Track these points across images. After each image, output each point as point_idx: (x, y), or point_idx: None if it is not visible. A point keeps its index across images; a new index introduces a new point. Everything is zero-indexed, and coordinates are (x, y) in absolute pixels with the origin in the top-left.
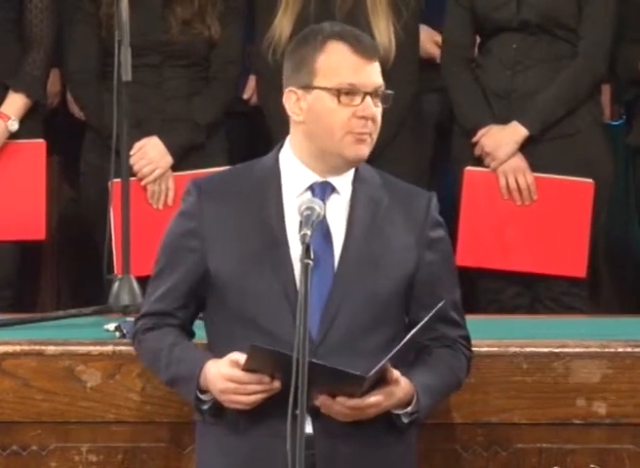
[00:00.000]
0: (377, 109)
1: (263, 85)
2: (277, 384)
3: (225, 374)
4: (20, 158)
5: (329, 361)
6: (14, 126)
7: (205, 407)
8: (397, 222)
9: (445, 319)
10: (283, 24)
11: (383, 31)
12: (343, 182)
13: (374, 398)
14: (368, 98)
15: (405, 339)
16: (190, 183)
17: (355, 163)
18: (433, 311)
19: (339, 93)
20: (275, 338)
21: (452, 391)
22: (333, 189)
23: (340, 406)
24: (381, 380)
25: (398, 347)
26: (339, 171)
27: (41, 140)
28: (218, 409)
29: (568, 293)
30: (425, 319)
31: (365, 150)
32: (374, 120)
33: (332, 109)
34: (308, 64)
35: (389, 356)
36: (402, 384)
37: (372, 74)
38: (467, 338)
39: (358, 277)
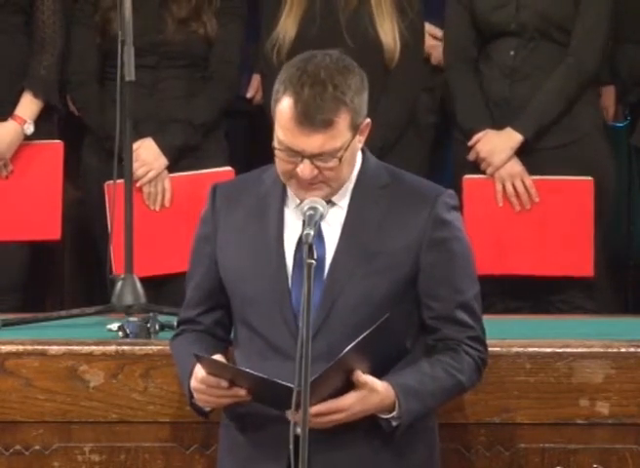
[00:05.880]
0: (322, 167)
1: (268, 86)
2: (242, 392)
3: (196, 374)
4: (37, 159)
5: (320, 364)
6: (30, 129)
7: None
8: (397, 224)
9: (450, 320)
10: (288, 25)
11: (388, 31)
12: (342, 193)
13: (338, 402)
14: (305, 162)
15: (342, 354)
16: (210, 188)
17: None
18: (376, 324)
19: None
20: (269, 343)
21: (452, 393)
22: (329, 200)
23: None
24: (353, 385)
25: (332, 364)
26: None
27: (58, 141)
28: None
29: (578, 297)
30: (364, 334)
31: (315, 195)
32: (316, 177)
33: (277, 156)
34: (275, 100)
35: (318, 374)
36: (378, 388)
37: (310, 142)
38: (478, 339)
39: (350, 280)
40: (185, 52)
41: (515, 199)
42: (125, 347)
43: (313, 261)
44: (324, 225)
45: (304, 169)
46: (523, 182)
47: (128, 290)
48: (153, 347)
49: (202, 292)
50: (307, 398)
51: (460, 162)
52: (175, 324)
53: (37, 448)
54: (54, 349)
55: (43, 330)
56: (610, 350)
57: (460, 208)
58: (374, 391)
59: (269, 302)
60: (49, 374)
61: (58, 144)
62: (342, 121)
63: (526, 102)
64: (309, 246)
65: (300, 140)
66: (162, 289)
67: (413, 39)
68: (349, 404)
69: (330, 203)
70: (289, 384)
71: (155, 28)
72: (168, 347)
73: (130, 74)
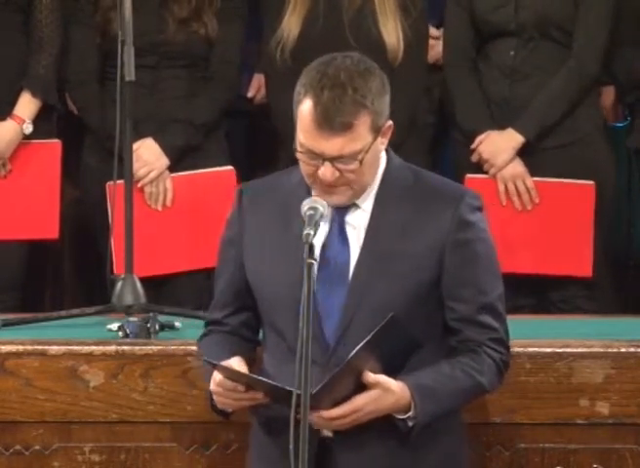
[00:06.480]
0: (343, 170)
1: (271, 85)
2: (258, 395)
3: (214, 378)
4: (35, 158)
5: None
6: (28, 129)
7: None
8: (421, 226)
9: (472, 321)
10: (291, 24)
11: (391, 31)
12: (365, 196)
13: (351, 404)
14: (326, 164)
15: (349, 357)
16: (236, 190)
17: (334, 206)
18: (380, 325)
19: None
20: (290, 345)
21: (471, 394)
22: (353, 204)
23: (317, 417)
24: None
25: (341, 366)
26: None
27: (56, 141)
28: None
29: (578, 297)
30: (370, 335)
31: (338, 198)
32: (338, 180)
33: (299, 158)
34: (296, 103)
35: (327, 379)
36: (393, 388)
37: (330, 145)
38: (500, 341)
39: (374, 284)
40: (186, 52)
41: (516, 198)
42: (125, 347)
43: (313, 261)
44: (348, 229)
45: (325, 171)
46: (525, 183)
47: (128, 290)
48: (153, 347)
49: (228, 294)
50: (307, 400)
51: (460, 163)
52: (174, 324)
53: (37, 448)
54: (54, 349)
55: (43, 330)
56: (610, 350)
57: (483, 208)
58: (388, 391)
59: (291, 306)
60: (49, 374)
61: (56, 144)
62: (362, 124)
63: (526, 102)
64: (310, 246)
65: (319, 143)
66: (162, 289)
67: (416, 39)
68: (362, 404)
69: (354, 206)
70: (288, 388)
71: (156, 28)
72: (168, 347)
73: (130, 74)
